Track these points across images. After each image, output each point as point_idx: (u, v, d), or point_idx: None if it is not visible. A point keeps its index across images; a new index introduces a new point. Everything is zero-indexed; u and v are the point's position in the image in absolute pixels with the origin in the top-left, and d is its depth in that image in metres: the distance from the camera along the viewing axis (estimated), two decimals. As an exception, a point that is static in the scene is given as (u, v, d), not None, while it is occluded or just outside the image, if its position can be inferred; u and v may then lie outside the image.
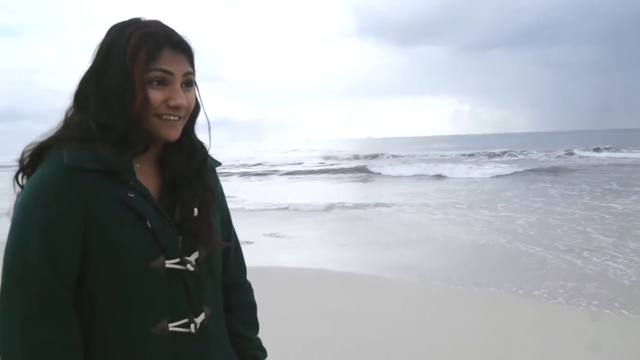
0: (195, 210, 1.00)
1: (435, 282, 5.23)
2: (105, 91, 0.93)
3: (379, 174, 20.84)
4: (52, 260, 0.88)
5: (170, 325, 0.95)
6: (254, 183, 19.35)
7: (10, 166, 1.02)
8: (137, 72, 0.92)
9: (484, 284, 5.12)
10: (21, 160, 0.96)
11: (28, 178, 0.95)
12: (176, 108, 0.95)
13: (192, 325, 0.97)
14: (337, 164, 26.74)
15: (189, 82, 0.98)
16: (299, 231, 8.37)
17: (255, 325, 1.20)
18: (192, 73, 0.98)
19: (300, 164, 28.79)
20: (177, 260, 0.96)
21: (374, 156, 32.27)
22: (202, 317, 1.00)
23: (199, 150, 1.06)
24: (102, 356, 0.94)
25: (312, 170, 23.76)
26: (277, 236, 7.78)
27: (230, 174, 22.14)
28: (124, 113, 0.92)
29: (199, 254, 0.99)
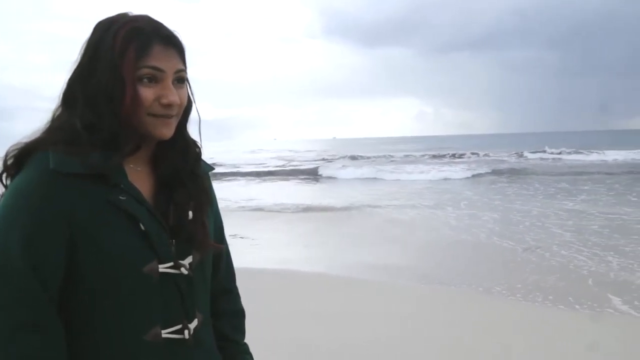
0: (190, 212, 0.98)
1: (408, 281, 5.30)
2: (93, 90, 0.90)
3: (333, 177, 20.67)
4: (36, 267, 0.84)
5: (163, 331, 0.92)
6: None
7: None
8: (126, 69, 0.88)
9: (453, 282, 5.27)
10: (5, 161, 0.91)
11: (12, 180, 0.90)
12: (168, 106, 0.92)
13: (186, 332, 0.94)
14: (298, 166, 26.31)
15: (181, 79, 0.95)
16: (257, 232, 8.30)
17: (243, 331, 1.18)
18: (184, 70, 0.95)
19: (261, 164, 28.42)
20: (171, 264, 0.92)
21: (333, 157, 32.08)
22: (195, 322, 0.97)
23: (192, 148, 1.03)
24: None
25: (263, 172, 23.49)
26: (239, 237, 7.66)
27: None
28: (113, 113, 0.89)
29: (193, 258, 0.97)
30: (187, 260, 0.95)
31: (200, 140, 1.06)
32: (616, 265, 5.78)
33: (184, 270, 0.94)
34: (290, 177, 21.23)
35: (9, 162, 0.92)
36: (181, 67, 0.94)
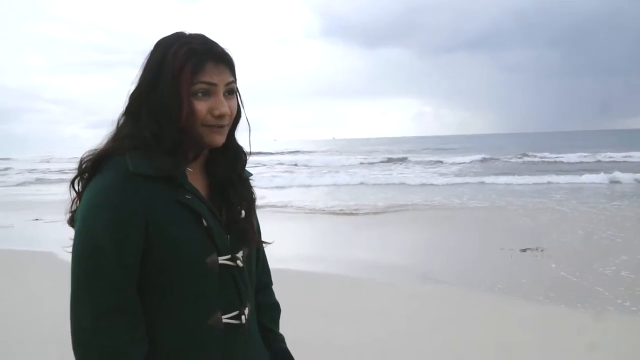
0: (242, 212, 1.10)
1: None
2: (155, 104, 1.00)
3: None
4: (120, 257, 0.94)
5: (223, 317, 1.03)
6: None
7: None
8: (183, 86, 0.99)
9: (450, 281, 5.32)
10: (80, 166, 1.02)
11: (87, 182, 1.01)
12: (220, 117, 1.02)
13: (243, 317, 1.06)
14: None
15: (231, 91, 1.05)
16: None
17: (278, 323, 1.28)
18: (234, 82, 1.05)
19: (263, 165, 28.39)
20: (229, 256, 1.04)
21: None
22: (247, 310, 1.08)
23: (241, 154, 1.14)
24: (160, 347, 0.99)
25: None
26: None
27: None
28: (173, 124, 0.99)
29: (244, 252, 1.08)
30: (240, 254, 1.08)
31: (250, 147, 1.16)
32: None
33: (239, 263, 1.06)
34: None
35: (86, 165, 1.02)
36: (231, 79, 1.05)
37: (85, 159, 1.02)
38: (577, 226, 8.12)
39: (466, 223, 9.27)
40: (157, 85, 1.01)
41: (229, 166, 1.11)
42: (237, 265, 1.06)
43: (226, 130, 1.06)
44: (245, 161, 1.15)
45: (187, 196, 1.01)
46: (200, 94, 1.01)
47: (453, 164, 25.74)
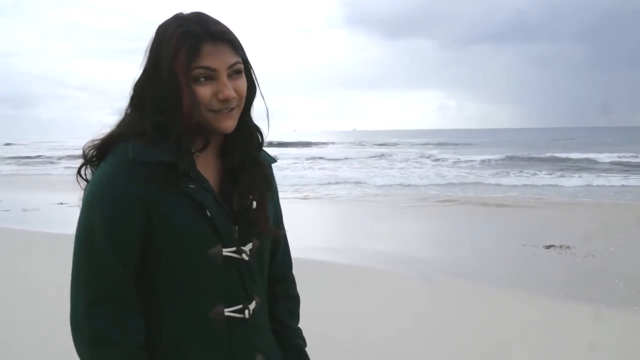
0: (253, 200, 1.04)
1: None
2: (157, 93, 0.97)
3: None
4: (116, 246, 0.94)
5: (225, 310, 1.00)
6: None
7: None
8: (180, 72, 0.94)
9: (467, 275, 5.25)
10: (85, 155, 1.01)
11: (94, 169, 1.00)
12: (226, 100, 0.96)
13: (246, 312, 1.02)
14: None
15: (237, 71, 0.98)
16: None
17: (297, 316, 1.21)
18: (239, 62, 0.98)
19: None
20: (234, 249, 1.00)
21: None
22: (253, 304, 1.04)
23: (255, 134, 1.08)
24: (160, 338, 0.98)
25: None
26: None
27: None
28: (177, 113, 0.95)
29: (253, 245, 1.03)
30: (248, 247, 1.03)
31: (268, 128, 1.10)
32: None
33: (244, 256, 1.02)
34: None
35: (91, 153, 1.01)
36: (234, 60, 0.98)
37: (89, 147, 1.01)
38: (618, 229, 7.71)
39: (498, 219, 9.15)
40: (157, 74, 0.97)
41: (242, 148, 1.06)
42: (243, 259, 1.01)
43: (236, 112, 1.01)
44: (261, 142, 1.09)
45: (190, 185, 0.97)
46: (202, 79, 0.96)
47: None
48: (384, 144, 38.04)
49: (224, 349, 1.01)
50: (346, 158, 24.93)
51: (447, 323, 3.92)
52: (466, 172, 17.63)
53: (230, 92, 0.97)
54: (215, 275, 0.99)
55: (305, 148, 36.56)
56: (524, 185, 14.44)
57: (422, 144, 36.21)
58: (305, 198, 11.64)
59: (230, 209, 1.03)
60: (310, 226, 8.21)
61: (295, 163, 21.67)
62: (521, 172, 17.29)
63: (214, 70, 0.96)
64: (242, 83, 1.00)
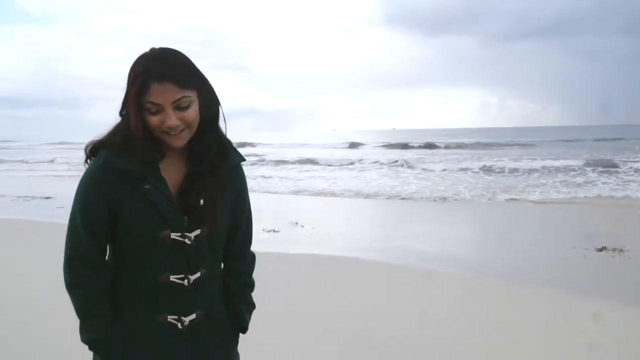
0: (202, 200, 1.33)
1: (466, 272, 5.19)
2: (124, 113, 1.31)
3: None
4: (85, 224, 1.33)
5: (171, 277, 1.33)
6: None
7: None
8: (132, 102, 1.25)
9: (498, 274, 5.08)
10: (85, 151, 1.36)
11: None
12: (170, 128, 1.25)
13: (186, 280, 1.34)
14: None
15: (182, 105, 1.25)
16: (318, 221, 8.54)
17: (249, 286, 1.52)
18: (185, 97, 1.24)
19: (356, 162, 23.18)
20: (180, 234, 1.32)
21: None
22: (197, 275, 1.35)
23: (215, 145, 1.36)
24: (120, 289, 1.37)
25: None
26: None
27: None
28: (130, 132, 1.27)
29: (201, 231, 1.34)
30: (195, 233, 1.33)
31: (226, 132, 1.41)
32: None
33: (187, 241, 1.33)
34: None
35: (87, 152, 1.36)
36: (178, 96, 1.24)
37: (87, 148, 1.36)
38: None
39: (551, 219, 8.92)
40: (125, 99, 1.30)
41: (202, 157, 1.35)
42: (186, 242, 1.32)
43: (185, 134, 1.29)
44: (219, 152, 1.37)
45: (146, 186, 1.29)
46: (152, 110, 1.25)
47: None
48: (428, 144, 36.65)
49: (167, 304, 1.35)
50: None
51: (497, 325, 3.85)
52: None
53: (172, 123, 1.25)
54: (164, 251, 1.32)
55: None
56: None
57: (472, 145, 34.08)
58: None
59: (187, 204, 1.33)
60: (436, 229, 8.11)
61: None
62: (601, 175, 15.17)
63: (158, 104, 1.24)
64: (189, 113, 1.27)
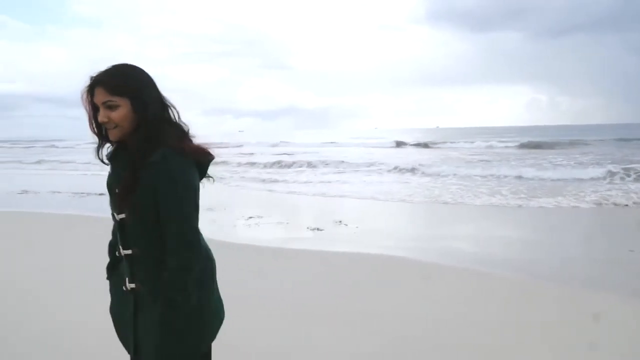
0: (116, 189, 1.67)
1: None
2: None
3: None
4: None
5: (119, 249, 1.74)
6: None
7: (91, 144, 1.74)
8: (87, 102, 1.67)
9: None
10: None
11: None
12: (103, 123, 1.65)
13: (117, 252, 1.76)
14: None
15: (111, 106, 1.62)
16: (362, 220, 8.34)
17: (172, 282, 1.61)
18: (111, 101, 1.61)
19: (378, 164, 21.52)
20: (113, 215, 1.72)
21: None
22: (128, 251, 1.68)
23: (134, 147, 1.63)
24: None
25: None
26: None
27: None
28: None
29: (125, 215, 1.66)
30: (120, 216, 1.67)
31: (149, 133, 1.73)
32: None
33: (114, 220, 1.73)
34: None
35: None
36: (106, 99, 1.61)
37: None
38: None
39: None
40: None
41: (128, 153, 1.65)
42: (116, 221, 1.70)
43: (118, 130, 1.64)
44: (141, 152, 1.61)
45: (109, 171, 1.73)
46: (97, 109, 1.66)
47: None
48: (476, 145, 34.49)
49: (120, 272, 1.77)
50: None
51: (544, 330, 3.58)
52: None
53: (102, 119, 1.63)
54: (115, 227, 1.73)
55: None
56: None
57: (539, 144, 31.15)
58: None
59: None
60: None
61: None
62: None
63: (96, 104, 1.64)
64: (116, 113, 1.61)
